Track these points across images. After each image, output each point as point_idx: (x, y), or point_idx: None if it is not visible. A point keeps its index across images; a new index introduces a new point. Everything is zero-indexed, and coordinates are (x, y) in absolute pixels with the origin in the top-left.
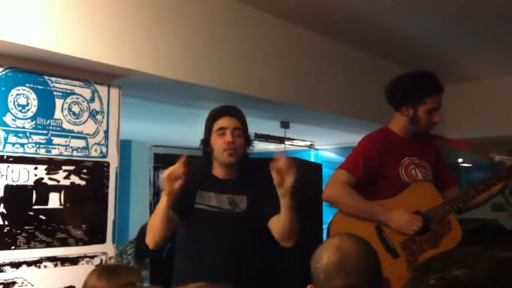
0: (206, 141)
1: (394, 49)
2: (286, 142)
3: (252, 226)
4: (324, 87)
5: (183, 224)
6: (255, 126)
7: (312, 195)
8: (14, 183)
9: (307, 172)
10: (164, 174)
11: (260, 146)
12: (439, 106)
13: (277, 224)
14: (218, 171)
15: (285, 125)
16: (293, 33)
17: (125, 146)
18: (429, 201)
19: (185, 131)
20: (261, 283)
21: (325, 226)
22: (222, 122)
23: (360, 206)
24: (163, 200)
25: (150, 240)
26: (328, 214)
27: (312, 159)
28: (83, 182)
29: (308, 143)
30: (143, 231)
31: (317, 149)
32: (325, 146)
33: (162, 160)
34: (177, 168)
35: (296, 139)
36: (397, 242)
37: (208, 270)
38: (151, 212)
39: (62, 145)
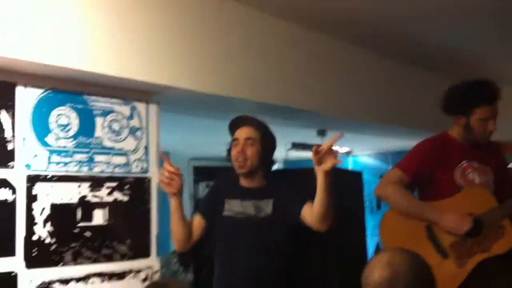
0: (228, 152)
1: (430, 56)
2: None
3: (277, 228)
4: (361, 96)
5: (215, 232)
6: (291, 134)
7: (353, 204)
8: (59, 202)
9: (347, 181)
10: (159, 181)
11: (296, 155)
12: (493, 114)
13: (310, 210)
14: (242, 181)
15: (322, 133)
16: (330, 44)
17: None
18: (483, 205)
19: (223, 142)
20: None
21: (368, 232)
22: (237, 133)
23: (411, 204)
24: (172, 205)
25: (175, 245)
26: (370, 222)
27: (350, 166)
28: (125, 198)
29: (345, 149)
30: None
31: (355, 156)
32: (363, 152)
33: (201, 172)
34: (166, 170)
35: (335, 147)
36: (447, 243)
37: (235, 274)
38: None
39: (104, 163)
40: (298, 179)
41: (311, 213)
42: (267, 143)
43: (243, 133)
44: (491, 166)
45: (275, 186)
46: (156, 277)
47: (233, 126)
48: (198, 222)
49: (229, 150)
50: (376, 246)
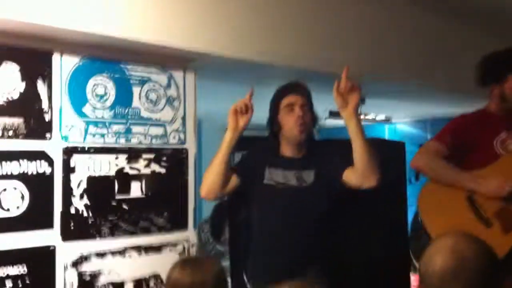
0: (273, 120)
1: (481, 17)
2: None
3: (319, 197)
4: (400, 58)
5: (255, 201)
6: (328, 103)
7: (396, 176)
8: (97, 174)
9: (389, 152)
10: (232, 108)
11: (333, 123)
12: None
13: (352, 170)
14: (286, 150)
15: (361, 100)
16: (370, 4)
17: None
18: None
19: (259, 110)
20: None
21: (409, 209)
22: (290, 98)
23: (449, 173)
24: (227, 138)
25: (203, 188)
26: (412, 196)
27: (387, 134)
28: (163, 170)
29: (383, 117)
30: (217, 209)
31: (393, 123)
32: (401, 120)
33: (237, 142)
34: (244, 102)
35: (371, 114)
36: (491, 212)
37: (275, 243)
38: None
39: (141, 134)
40: (338, 149)
41: (355, 172)
42: (314, 112)
43: (298, 99)
44: None
45: (316, 156)
46: (193, 250)
47: (284, 92)
48: (233, 178)
49: (272, 118)
50: (414, 217)
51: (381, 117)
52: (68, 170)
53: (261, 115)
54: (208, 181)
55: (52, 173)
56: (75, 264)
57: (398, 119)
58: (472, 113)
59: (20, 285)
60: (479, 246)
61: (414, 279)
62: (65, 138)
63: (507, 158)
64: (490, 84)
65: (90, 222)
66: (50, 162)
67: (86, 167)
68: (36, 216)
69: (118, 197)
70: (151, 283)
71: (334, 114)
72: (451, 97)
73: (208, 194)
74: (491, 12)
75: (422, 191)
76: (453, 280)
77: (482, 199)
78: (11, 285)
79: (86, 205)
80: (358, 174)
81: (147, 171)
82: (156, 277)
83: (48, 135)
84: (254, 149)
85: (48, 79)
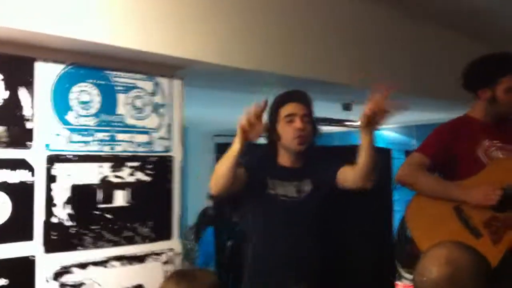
0: (271, 129)
1: (464, 22)
2: (347, 123)
3: (318, 206)
4: (387, 67)
5: (256, 209)
6: (316, 110)
7: (382, 182)
8: (80, 183)
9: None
10: (242, 121)
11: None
12: None
13: (350, 171)
14: (284, 160)
15: (347, 107)
16: (354, 11)
17: None
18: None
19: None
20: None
21: (395, 214)
22: (290, 108)
23: (434, 185)
24: (235, 146)
25: (213, 186)
26: (399, 202)
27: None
28: (148, 178)
29: None
30: (202, 217)
31: (380, 129)
32: (387, 126)
33: (224, 149)
34: (248, 119)
35: (357, 121)
36: (479, 221)
37: (278, 255)
38: (214, 202)
39: (126, 141)
40: (330, 154)
41: (352, 173)
42: (315, 122)
43: (299, 109)
44: None
45: (312, 165)
46: (178, 260)
47: (284, 101)
48: (241, 173)
49: (271, 126)
50: (400, 223)
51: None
52: (50, 178)
53: None
54: (219, 180)
55: (33, 182)
56: (57, 275)
57: (384, 125)
58: (453, 120)
59: None
60: (472, 254)
61: (400, 286)
62: (48, 146)
63: (492, 166)
64: (479, 88)
65: (72, 232)
66: (32, 171)
67: (69, 176)
68: (17, 226)
69: (101, 206)
70: None
71: (320, 120)
72: (436, 103)
73: (219, 191)
74: (473, 17)
75: (410, 203)
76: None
77: (470, 209)
78: None
79: (68, 215)
80: (357, 176)
81: (131, 179)
82: (140, 287)
83: (29, 143)
84: (254, 156)
85: (31, 87)
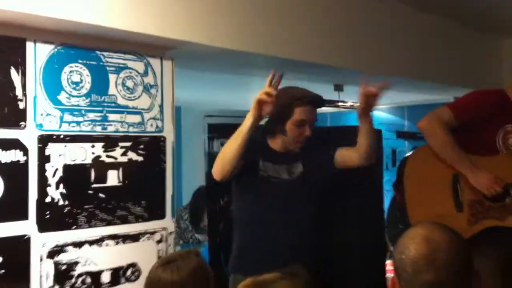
0: (279, 121)
1: (456, 5)
2: (339, 104)
3: (308, 188)
4: (380, 48)
5: (248, 190)
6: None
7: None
8: (73, 163)
9: None
10: (256, 98)
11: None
12: None
13: (349, 151)
14: (277, 145)
15: (339, 88)
16: None
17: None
18: None
19: (237, 98)
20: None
21: (385, 196)
22: (305, 113)
23: (450, 149)
24: (248, 123)
25: (218, 170)
26: (389, 182)
27: None
28: (140, 158)
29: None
30: (196, 196)
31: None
32: (378, 107)
33: (216, 129)
34: (267, 91)
35: (349, 101)
36: (467, 198)
37: (270, 236)
38: (207, 181)
39: (118, 121)
40: (323, 137)
41: (352, 153)
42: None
43: (312, 116)
44: None
45: (303, 149)
46: (171, 238)
47: (301, 102)
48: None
49: (281, 119)
50: (390, 203)
51: (358, 105)
52: (43, 158)
53: (238, 102)
54: (227, 162)
55: (26, 161)
56: (51, 254)
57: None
58: (493, 92)
59: None
60: (451, 235)
61: (389, 263)
62: (40, 126)
63: (506, 158)
64: None
65: (66, 212)
66: (25, 151)
67: (61, 156)
68: (10, 205)
69: (94, 185)
70: (128, 272)
71: (338, 88)
72: (427, 85)
73: (224, 176)
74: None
75: (415, 153)
76: (426, 266)
77: (466, 184)
78: None
79: (62, 194)
80: (361, 154)
81: (124, 159)
82: (133, 266)
83: (22, 123)
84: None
85: (22, 67)
